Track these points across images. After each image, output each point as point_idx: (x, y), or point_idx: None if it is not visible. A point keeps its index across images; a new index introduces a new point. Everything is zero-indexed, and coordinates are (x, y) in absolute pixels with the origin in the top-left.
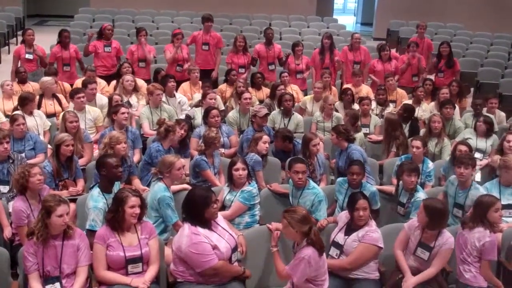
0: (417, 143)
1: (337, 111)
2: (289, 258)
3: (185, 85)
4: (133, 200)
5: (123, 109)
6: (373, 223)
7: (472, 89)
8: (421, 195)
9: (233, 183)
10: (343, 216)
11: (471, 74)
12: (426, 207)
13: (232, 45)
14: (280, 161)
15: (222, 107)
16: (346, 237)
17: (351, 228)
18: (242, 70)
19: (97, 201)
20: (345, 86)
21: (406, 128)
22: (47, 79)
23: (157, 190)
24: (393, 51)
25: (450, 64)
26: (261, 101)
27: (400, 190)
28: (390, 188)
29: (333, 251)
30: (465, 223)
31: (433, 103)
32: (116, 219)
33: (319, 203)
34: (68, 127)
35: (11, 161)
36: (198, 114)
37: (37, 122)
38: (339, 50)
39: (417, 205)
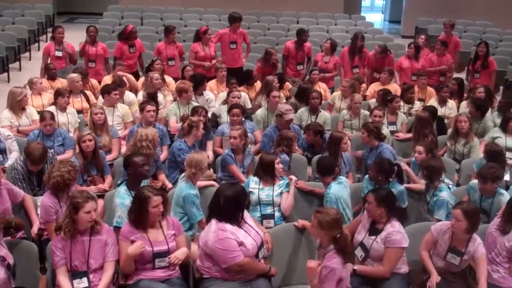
0: (420, 148)
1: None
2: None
3: (212, 83)
4: (156, 200)
5: (149, 107)
6: (396, 223)
7: (501, 88)
8: (444, 194)
9: (273, 178)
10: (367, 215)
11: (500, 72)
12: (466, 212)
13: (263, 58)
14: (312, 154)
15: (249, 105)
16: (371, 239)
17: (375, 228)
18: None
19: (123, 198)
20: (372, 85)
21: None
22: (72, 75)
23: (183, 187)
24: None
25: (486, 64)
26: (286, 98)
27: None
28: (419, 187)
29: (359, 252)
30: (498, 225)
31: (465, 102)
32: (139, 219)
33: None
34: (94, 119)
35: None
36: (224, 113)
37: (68, 119)
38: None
39: (440, 204)
